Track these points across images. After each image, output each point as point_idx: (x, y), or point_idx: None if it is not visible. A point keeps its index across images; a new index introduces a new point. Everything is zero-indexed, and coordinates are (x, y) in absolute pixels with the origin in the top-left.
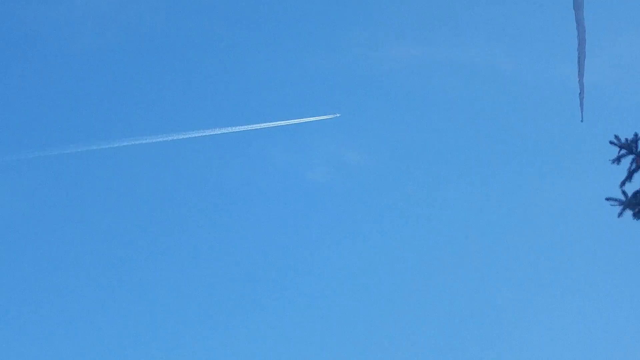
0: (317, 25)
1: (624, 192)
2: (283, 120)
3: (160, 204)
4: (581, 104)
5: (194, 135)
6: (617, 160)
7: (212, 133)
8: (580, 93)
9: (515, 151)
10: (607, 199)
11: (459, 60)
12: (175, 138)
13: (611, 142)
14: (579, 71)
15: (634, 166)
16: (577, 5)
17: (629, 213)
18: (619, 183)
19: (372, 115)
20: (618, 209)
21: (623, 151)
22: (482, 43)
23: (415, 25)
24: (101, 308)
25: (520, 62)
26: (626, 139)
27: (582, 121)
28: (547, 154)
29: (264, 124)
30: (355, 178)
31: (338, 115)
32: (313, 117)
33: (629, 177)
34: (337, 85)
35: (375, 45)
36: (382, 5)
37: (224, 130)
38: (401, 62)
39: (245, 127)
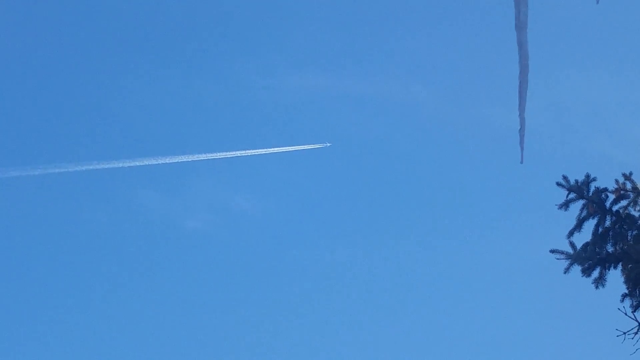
0: (201, 50)
1: (571, 244)
2: (156, 158)
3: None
4: (521, 142)
5: (49, 171)
6: (565, 205)
7: (70, 169)
8: (520, 129)
9: (440, 199)
10: (552, 252)
11: (371, 95)
12: (25, 174)
13: (558, 184)
14: (519, 103)
15: (584, 213)
16: (520, 26)
17: (577, 269)
18: (567, 233)
19: (267, 154)
20: (565, 263)
21: (572, 195)
22: (399, 78)
23: (319, 54)
24: None
25: (443, 100)
26: (576, 181)
27: (521, 162)
28: (479, 200)
29: (134, 162)
30: (242, 227)
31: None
32: (192, 155)
33: (579, 226)
34: (224, 118)
35: (269, 72)
36: (279, 31)
37: (85, 167)
38: (300, 93)
39: (111, 164)
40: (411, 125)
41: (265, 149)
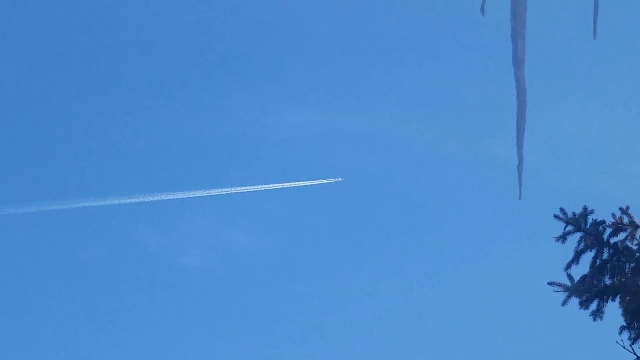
0: (198, 87)
1: (569, 276)
2: (151, 195)
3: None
4: (519, 178)
5: (45, 209)
6: (563, 238)
7: (67, 206)
8: (518, 165)
9: (439, 232)
10: (550, 284)
11: (369, 131)
12: (21, 211)
13: (556, 217)
14: (517, 139)
15: (582, 245)
16: (517, 62)
17: (574, 301)
18: (564, 265)
19: (263, 190)
20: (562, 295)
21: (570, 227)
22: (396, 114)
23: (317, 91)
24: None
25: (440, 136)
26: (573, 213)
27: (520, 198)
28: (478, 234)
29: (129, 199)
30: (237, 262)
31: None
32: (189, 192)
33: (576, 258)
34: (221, 153)
35: (266, 109)
36: (276, 69)
37: (80, 204)
38: (297, 130)
39: (107, 201)
40: (409, 160)
41: (264, 186)
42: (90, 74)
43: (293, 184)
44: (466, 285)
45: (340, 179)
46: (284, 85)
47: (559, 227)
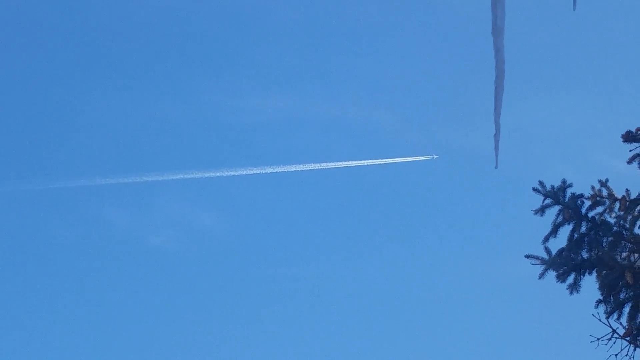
0: (168, 71)
1: (547, 250)
2: (122, 177)
3: None
4: (496, 147)
5: (16, 188)
6: (541, 211)
7: (37, 187)
8: (495, 134)
9: (410, 213)
10: (527, 257)
11: (336, 117)
12: None
13: (534, 190)
14: (495, 108)
15: (560, 219)
16: (497, 31)
17: (551, 274)
18: (542, 238)
19: (232, 174)
20: (540, 268)
21: (548, 200)
22: (363, 99)
23: (285, 76)
24: None
25: (407, 122)
26: (552, 187)
27: (496, 167)
28: (454, 211)
29: (98, 180)
30: (205, 244)
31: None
32: (157, 174)
33: (554, 231)
34: (190, 137)
35: (234, 94)
36: (246, 52)
37: (52, 185)
38: (265, 115)
39: (75, 182)
40: (375, 147)
41: (233, 170)
42: (56, 54)
43: (254, 170)
44: (443, 258)
45: (434, 156)
46: (251, 70)
47: (529, 207)
